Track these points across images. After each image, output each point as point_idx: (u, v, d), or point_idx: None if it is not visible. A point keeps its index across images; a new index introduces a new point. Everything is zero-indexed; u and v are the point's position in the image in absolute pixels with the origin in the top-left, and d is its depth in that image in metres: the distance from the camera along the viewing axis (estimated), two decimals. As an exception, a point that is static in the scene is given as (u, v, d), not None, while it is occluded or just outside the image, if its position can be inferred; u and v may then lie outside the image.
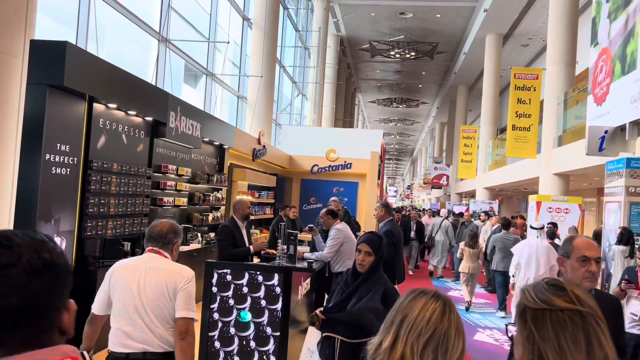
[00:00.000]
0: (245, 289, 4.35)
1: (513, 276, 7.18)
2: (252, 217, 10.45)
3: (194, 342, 2.76)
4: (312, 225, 6.32)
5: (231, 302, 4.34)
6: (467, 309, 9.33)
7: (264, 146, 10.74)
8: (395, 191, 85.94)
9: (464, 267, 9.53)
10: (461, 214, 14.78)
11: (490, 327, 7.90)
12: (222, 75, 12.29)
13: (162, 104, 6.58)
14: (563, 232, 11.23)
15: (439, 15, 23.03)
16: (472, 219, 13.11)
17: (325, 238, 6.20)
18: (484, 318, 8.44)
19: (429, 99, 39.88)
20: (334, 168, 13.55)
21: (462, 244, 10.44)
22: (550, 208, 12.77)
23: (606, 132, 8.56)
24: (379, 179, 12.88)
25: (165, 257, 2.83)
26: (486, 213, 12.77)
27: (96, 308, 2.80)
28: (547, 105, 12.99)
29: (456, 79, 30.60)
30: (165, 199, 7.00)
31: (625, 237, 7.35)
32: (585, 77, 14.57)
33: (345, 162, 13.50)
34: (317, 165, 13.60)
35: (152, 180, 6.62)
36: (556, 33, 12.79)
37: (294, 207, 10.39)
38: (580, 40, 13.05)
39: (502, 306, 9.28)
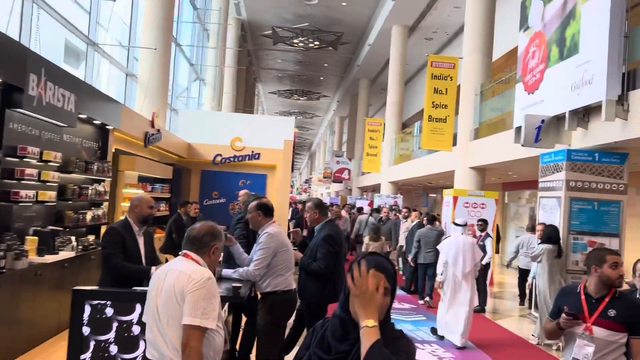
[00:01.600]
0: (136, 329, 2.90)
1: (441, 274, 6.97)
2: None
3: (197, 356, 2.35)
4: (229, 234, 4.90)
5: (113, 349, 2.87)
6: None
7: (159, 130, 9.06)
8: (292, 185, 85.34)
9: None
10: (378, 210, 13.95)
11: (429, 340, 6.98)
12: (107, 46, 10.37)
13: (18, 61, 4.84)
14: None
15: (344, 4, 22.22)
16: (391, 215, 12.32)
17: (246, 245, 4.84)
18: (417, 329, 7.50)
19: (329, 92, 39.31)
20: (239, 159, 12.10)
21: (366, 239, 10.03)
22: (466, 203, 12.27)
23: (543, 121, 7.93)
24: (292, 171, 11.63)
25: (194, 260, 2.59)
26: (408, 209, 11.95)
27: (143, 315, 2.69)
28: (464, 96, 12.47)
29: (359, 71, 30.13)
30: (23, 192, 5.20)
31: (553, 236, 7.11)
32: (502, 67, 14.37)
33: (252, 152, 12.10)
34: (220, 155, 12.07)
35: (0, 167, 4.87)
36: (474, 21, 12.28)
37: (195, 202, 8.84)
38: (496, 27, 12.65)
39: (429, 293, 9.48)
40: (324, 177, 40.58)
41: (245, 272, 4.19)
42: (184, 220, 8.17)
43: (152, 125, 8.66)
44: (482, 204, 12.25)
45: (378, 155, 22.44)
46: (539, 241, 7.39)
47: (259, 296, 4.33)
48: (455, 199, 12.18)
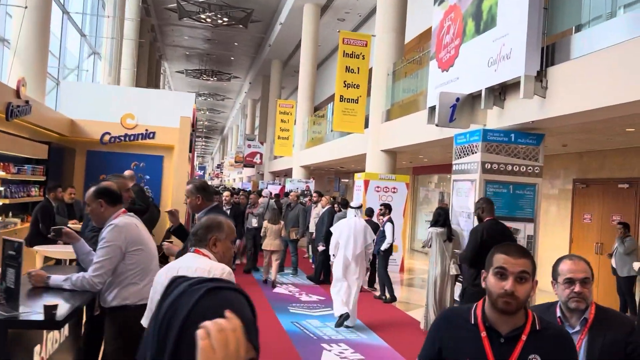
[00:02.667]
0: None
1: (333, 255, 7.05)
2: (6, 202, 7.39)
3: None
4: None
5: None
6: (265, 281, 9.63)
7: (27, 102, 7.66)
8: (203, 171, 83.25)
9: (266, 244, 9.40)
10: (286, 194, 13.16)
11: (337, 339, 6.17)
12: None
13: None
14: (395, 215, 10.23)
15: (255, -23, 21.11)
16: (306, 201, 11.58)
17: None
18: (324, 325, 6.80)
19: (241, 73, 37.95)
20: (131, 138, 10.78)
21: (265, 222, 9.63)
22: (378, 187, 11.81)
23: (458, 99, 7.47)
24: (190, 152, 10.51)
25: (205, 255, 2.52)
26: (319, 193, 11.23)
27: (144, 321, 2.49)
28: (376, 76, 11.93)
29: (271, 52, 29.10)
30: None
31: (442, 218, 7.07)
32: (415, 48, 13.96)
33: (146, 130, 10.81)
34: (109, 134, 10.68)
35: None
36: (387, -3, 11.72)
37: (72, 186, 7.58)
38: (410, 5, 12.18)
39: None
40: (236, 162, 39.33)
41: (80, 280, 3.05)
42: (54, 206, 6.93)
43: (18, 96, 7.27)
44: (394, 188, 11.84)
45: (290, 139, 21.67)
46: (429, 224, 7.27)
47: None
48: (366, 182, 11.67)
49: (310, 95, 20.93)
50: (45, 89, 10.77)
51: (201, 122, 61.48)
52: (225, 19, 25.00)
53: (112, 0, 18.96)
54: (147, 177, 10.99)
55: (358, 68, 12.14)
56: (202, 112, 54.81)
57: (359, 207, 7.24)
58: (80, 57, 17.47)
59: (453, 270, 6.49)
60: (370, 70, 12.31)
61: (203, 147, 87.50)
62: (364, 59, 12.19)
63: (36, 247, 6.15)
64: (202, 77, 37.08)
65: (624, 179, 9.42)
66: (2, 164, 6.94)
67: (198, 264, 2.42)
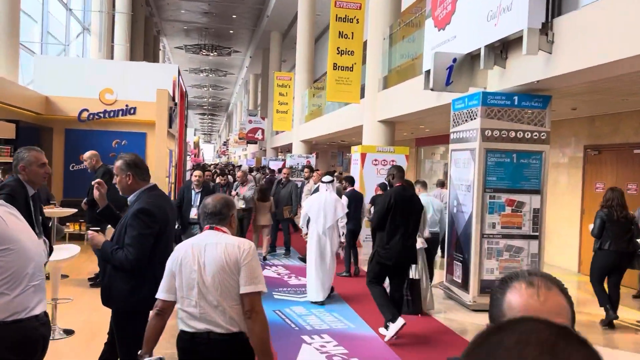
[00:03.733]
0: None
1: (306, 228, 7.13)
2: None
3: (265, 319, 2.56)
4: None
5: None
6: (264, 259, 9.38)
7: (-17, 76, 7.06)
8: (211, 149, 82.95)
9: (257, 219, 9.37)
10: (273, 171, 12.53)
11: (320, 329, 5.42)
12: None
13: None
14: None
15: (248, -56, 20.14)
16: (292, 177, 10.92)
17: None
18: (308, 312, 6.21)
19: (241, 47, 37.03)
20: (111, 114, 10.18)
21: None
22: (375, 160, 11.11)
23: (455, 60, 6.73)
24: (170, 126, 9.85)
25: (224, 232, 2.69)
26: (310, 169, 10.53)
27: (163, 294, 2.61)
28: (371, 41, 11.14)
29: (269, 23, 28.17)
30: None
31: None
32: (412, 7, 13.13)
33: (127, 106, 10.20)
34: (87, 111, 10.09)
35: None
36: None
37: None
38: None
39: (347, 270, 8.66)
40: (240, 139, 38.73)
41: None
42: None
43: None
44: (392, 160, 11.12)
45: (289, 113, 20.94)
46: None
47: None
48: (363, 156, 10.98)
49: (309, 67, 20.11)
50: (19, 65, 10.12)
51: (205, 99, 60.73)
52: (221, -11, 24.11)
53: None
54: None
55: (352, 33, 11.35)
56: (206, 89, 54.02)
57: (331, 182, 7.19)
58: (67, 31, 16.76)
59: (419, 244, 6.16)
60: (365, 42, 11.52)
61: (209, 124, 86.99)
62: (358, 23, 11.39)
63: None
64: (201, 52, 36.19)
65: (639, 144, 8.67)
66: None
67: (226, 240, 2.61)
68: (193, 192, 7.39)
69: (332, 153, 29.49)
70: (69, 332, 4.94)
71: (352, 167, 11.77)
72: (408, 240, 5.46)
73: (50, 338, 4.75)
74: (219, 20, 31.44)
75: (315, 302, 6.65)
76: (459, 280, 6.76)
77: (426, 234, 6.41)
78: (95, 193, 3.48)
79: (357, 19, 11.39)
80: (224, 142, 70.73)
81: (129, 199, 3.23)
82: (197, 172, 7.39)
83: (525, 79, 5.91)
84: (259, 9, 28.60)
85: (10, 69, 9.46)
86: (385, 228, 5.39)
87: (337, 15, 11.29)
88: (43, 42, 14.23)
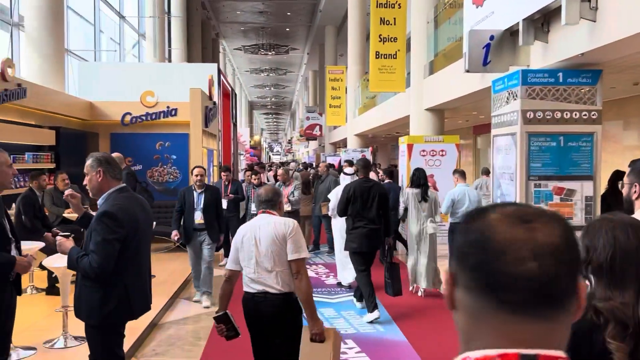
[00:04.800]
0: None
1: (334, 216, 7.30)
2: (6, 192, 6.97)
3: (308, 278, 3.25)
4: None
5: None
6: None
7: (20, 85, 7.18)
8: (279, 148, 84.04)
9: (301, 211, 9.30)
10: (311, 165, 12.20)
11: (347, 333, 5.06)
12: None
13: None
14: (445, 182, 9.11)
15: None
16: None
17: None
18: (338, 315, 5.85)
19: (299, 45, 37.00)
20: (153, 117, 10.25)
21: (297, 192, 9.09)
22: (423, 151, 10.58)
23: (492, 37, 6.16)
24: (206, 126, 9.76)
25: (274, 214, 3.33)
26: (349, 162, 10.11)
27: (231, 265, 3.30)
28: (415, 25, 10.58)
29: (323, 18, 27.93)
30: None
31: (416, 179, 7.14)
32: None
33: (168, 107, 10.23)
34: (130, 114, 10.20)
35: None
36: None
37: (62, 172, 7.06)
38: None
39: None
40: (300, 136, 38.79)
41: None
42: (39, 196, 6.41)
43: (4, 79, 6.79)
44: (442, 150, 10.55)
45: (342, 107, 20.59)
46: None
47: None
48: (410, 147, 10.48)
49: (362, 59, 19.61)
50: (65, 74, 10.37)
51: (267, 99, 61.42)
52: (271, -14, 24.09)
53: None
54: (174, 157, 10.45)
55: (394, 19, 10.83)
56: (268, 88, 54.58)
57: (354, 174, 7.30)
58: (121, 38, 17.23)
59: (430, 229, 6.75)
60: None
61: (275, 123, 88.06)
62: (400, 7, 10.86)
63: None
64: (260, 52, 36.51)
65: None
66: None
67: (275, 220, 3.26)
68: (195, 193, 6.34)
69: (392, 146, 28.84)
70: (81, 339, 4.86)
71: (399, 159, 11.29)
72: (371, 226, 5.99)
73: (63, 346, 4.73)
74: (275, 19, 31.51)
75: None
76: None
77: (438, 218, 7.02)
78: (72, 205, 3.31)
79: (399, 4, 10.87)
80: (289, 140, 71.34)
81: (98, 202, 3.03)
82: (197, 170, 6.37)
83: (569, 52, 5.27)
84: (312, 4, 28.40)
85: (57, 78, 9.71)
86: (349, 216, 6.06)
87: (377, 1, 10.82)
88: (97, 49, 14.66)
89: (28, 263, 3.13)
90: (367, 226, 5.96)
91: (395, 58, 10.83)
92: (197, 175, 6.31)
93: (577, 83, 5.57)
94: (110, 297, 2.82)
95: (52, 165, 8.19)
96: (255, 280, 3.17)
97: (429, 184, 9.70)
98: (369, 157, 18.07)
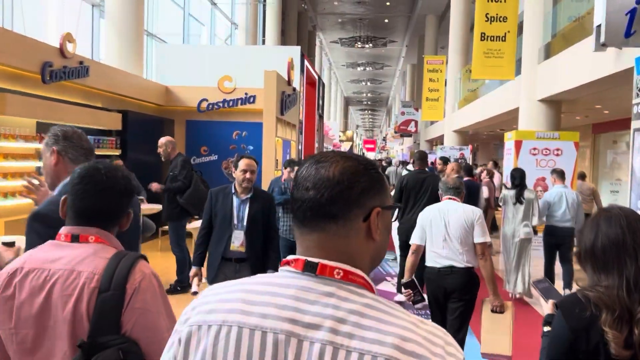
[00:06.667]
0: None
1: None
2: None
3: (491, 260, 3.78)
4: None
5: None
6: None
7: (82, 62, 6.65)
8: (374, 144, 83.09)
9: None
10: (406, 163, 10.95)
11: None
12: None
13: None
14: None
15: None
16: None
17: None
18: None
19: (397, 37, 35.58)
20: (230, 104, 9.53)
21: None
22: (534, 149, 8.99)
23: (638, 3, 4.68)
24: (282, 114, 8.84)
25: (459, 201, 3.86)
26: (444, 160, 8.74)
27: (417, 240, 3.88)
28: (529, 3, 9.02)
29: (424, 6, 26.38)
30: None
31: (512, 179, 6.71)
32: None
33: (246, 94, 9.47)
34: (206, 100, 9.56)
35: None
36: None
37: (119, 160, 6.42)
38: None
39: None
40: (395, 132, 37.40)
41: None
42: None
43: (62, 54, 6.25)
44: (557, 149, 8.90)
45: (440, 100, 19.05)
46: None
47: None
48: (518, 144, 8.94)
49: (464, 48, 17.94)
50: (144, 56, 9.94)
51: (364, 94, 60.38)
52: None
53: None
54: (251, 147, 9.68)
55: (505, -5, 9.32)
56: (364, 83, 53.55)
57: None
58: (212, 25, 16.90)
59: (522, 234, 6.42)
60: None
61: (370, 119, 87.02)
62: (512, -19, 9.33)
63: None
64: (356, 45, 35.52)
65: None
66: (38, 135, 5.96)
67: (463, 207, 3.82)
68: (235, 200, 3.90)
69: (494, 145, 26.70)
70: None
71: (505, 157, 9.76)
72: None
73: None
74: (373, 9, 30.37)
75: None
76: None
77: (534, 222, 6.52)
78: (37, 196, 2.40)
79: (511, -23, 9.34)
80: (384, 137, 69.89)
81: (54, 193, 2.11)
82: (246, 163, 3.85)
83: None
84: (413, -7, 26.96)
85: (136, 60, 9.28)
86: (402, 204, 6.16)
87: (485, -26, 9.36)
88: (186, 34, 14.34)
89: None
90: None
91: (504, 41, 9.31)
92: (244, 172, 3.80)
93: None
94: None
95: (117, 152, 7.65)
96: (443, 256, 3.73)
97: (540, 188, 8.66)
98: (468, 156, 16.48)
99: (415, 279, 3.79)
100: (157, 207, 6.50)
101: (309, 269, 0.93)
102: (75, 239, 1.51)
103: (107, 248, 1.51)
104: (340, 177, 0.96)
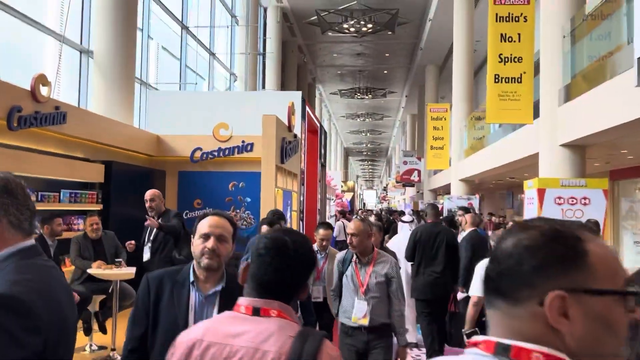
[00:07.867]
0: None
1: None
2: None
3: None
4: None
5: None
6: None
7: (58, 108, 5.93)
8: (375, 193, 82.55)
9: None
10: (402, 213, 10.15)
11: None
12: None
13: None
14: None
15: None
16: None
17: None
18: None
19: (397, 87, 35.58)
20: (226, 152, 8.80)
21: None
22: (559, 198, 8.20)
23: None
24: (282, 162, 8.08)
25: None
26: (465, 210, 7.88)
27: (477, 292, 3.81)
28: (546, 41, 8.46)
29: (423, 56, 26.23)
30: None
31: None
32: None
33: (243, 142, 8.75)
34: (200, 149, 8.83)
35: None
36: None
37: (92, 215, 5.59)
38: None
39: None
40: (397, 182, 36.84)
41: None
42: (50, 245, 4.93)
43: (35, 98, 5.53)
44: (584, 198, 8.12)
45: (445, 149, 18.44)
46: None
47: None
48: (541, 192, 8.16)
49: (468, 96, 17.44)
50: (136, 103, 9.30)
51: (363, 145, 60.22)
52: (370, 26, 22.87)
53: (244, 16, 17.93)
54: (248, 199, 8.89)
55: (519, 35, 8.74)
56: (363, 134, 53.49)
57: (412, 222, 7.18)
58: (210, 74, 16.46)
59: None
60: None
61: (370, 170, 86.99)
62: (526, 21, 8.76)
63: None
64: (356, 96, 35.37)
65: None
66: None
67: None
68: (194, 295, 2.12)
69: (500, 194, 25.99)
70: None
71: (526, 208, 8.96)
72: (437, 274, 5.77)
73: None
74: (373, 61, 30.41)
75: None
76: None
77: None
78: None
79: (524, 17, 8.79)
80: (384, 187, 69.39)
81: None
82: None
83: None
84: (412, 43, 26.92)
85: (125, 108, 8.63)
86: (413, 259, 5.99)
87: (497, 14, 8.81)
88: (182, 82, 13.85)
89: None
90: (434, 273, 5.86)
91: (520, 82, 8.68)
92: (204, 238, 2.08)
93: None
94: None
95: (98, 207, 6.83)
96: None
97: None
98: (476, 205, 15.69)
99: (477, 330, 3.76)
100: (124, 273, 5.38)
101: (501, 351, 0.83)
102: (256, 312, 1.46)
103: (290, 324, 1.47)
104: (513, 250, 0.85)
